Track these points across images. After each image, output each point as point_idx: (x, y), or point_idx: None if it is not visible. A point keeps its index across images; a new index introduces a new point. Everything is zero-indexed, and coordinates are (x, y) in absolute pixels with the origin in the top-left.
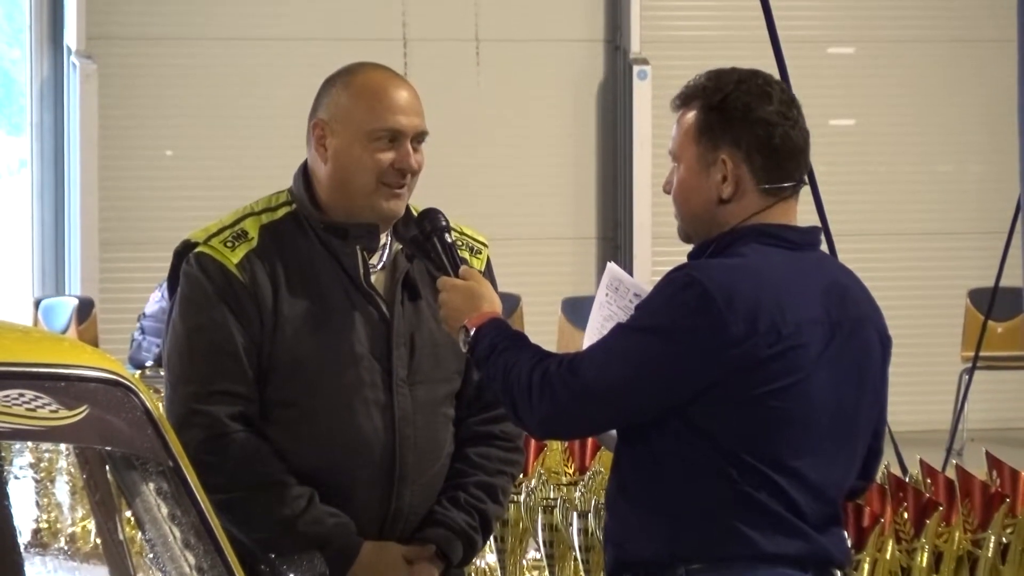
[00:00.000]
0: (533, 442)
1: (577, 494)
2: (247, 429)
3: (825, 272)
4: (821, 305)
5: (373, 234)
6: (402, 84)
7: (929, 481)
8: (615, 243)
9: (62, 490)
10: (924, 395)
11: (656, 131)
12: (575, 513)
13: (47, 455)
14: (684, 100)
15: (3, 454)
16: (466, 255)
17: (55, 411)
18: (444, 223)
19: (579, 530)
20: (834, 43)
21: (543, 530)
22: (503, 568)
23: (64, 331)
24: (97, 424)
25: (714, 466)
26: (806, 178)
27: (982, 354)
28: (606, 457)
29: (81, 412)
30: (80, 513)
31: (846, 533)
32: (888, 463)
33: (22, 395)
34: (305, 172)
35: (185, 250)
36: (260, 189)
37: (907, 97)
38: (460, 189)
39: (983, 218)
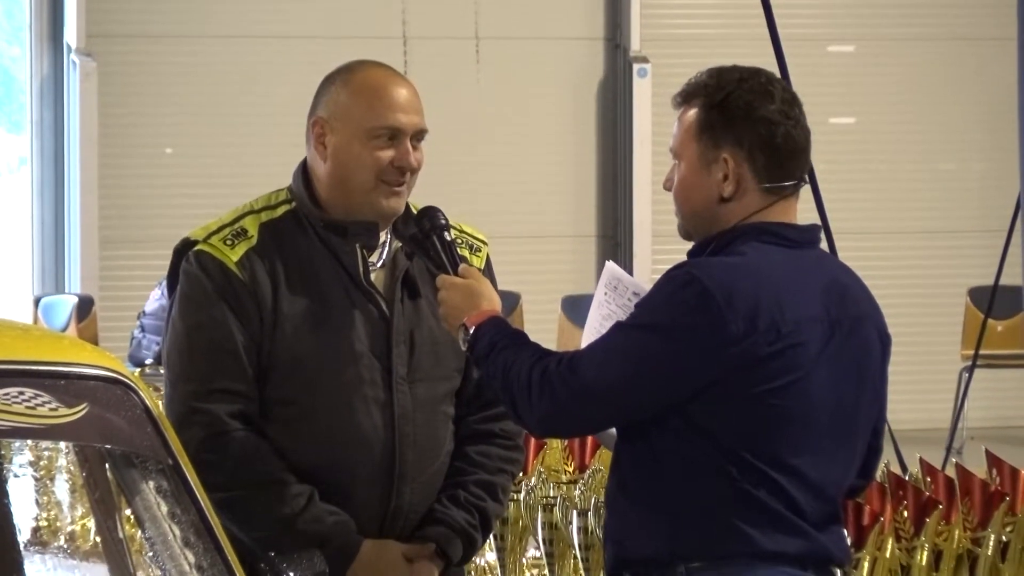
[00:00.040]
0: (533, 440)
1: (577, 492)
2: (247, 427)
3: (825, 270)
4: (821, 303)
5: (373, 232)
6: (402, 82)
7: (929, 479)
8: (615, 241)
9: (62, 488)
10: (924, 393)
11: (656, 129)
12: (575, 511)
13: (47, 453)
14: (685, 97)
15: (3, 452)
16: (466, 253)
17: (55, 409)
18: (443, 221)
19: (579, 528)
20: (834, 41)
21: (543, 528)
22: (503, 566)
23: (64, 329)
24: (97, 422)
25: (714, 464)
26: (806, 177)
27: (982, 352)
28: (606, 455)
29: (81, 410)
30: (80, 511)
31: (846, 531)
32: (888, 461)
33: (22, 393)
34: (304, 170)
35: (185, 248)
36: (260, 187)
37: (908, 95)
38: (460, 187)
39: (984, 216)
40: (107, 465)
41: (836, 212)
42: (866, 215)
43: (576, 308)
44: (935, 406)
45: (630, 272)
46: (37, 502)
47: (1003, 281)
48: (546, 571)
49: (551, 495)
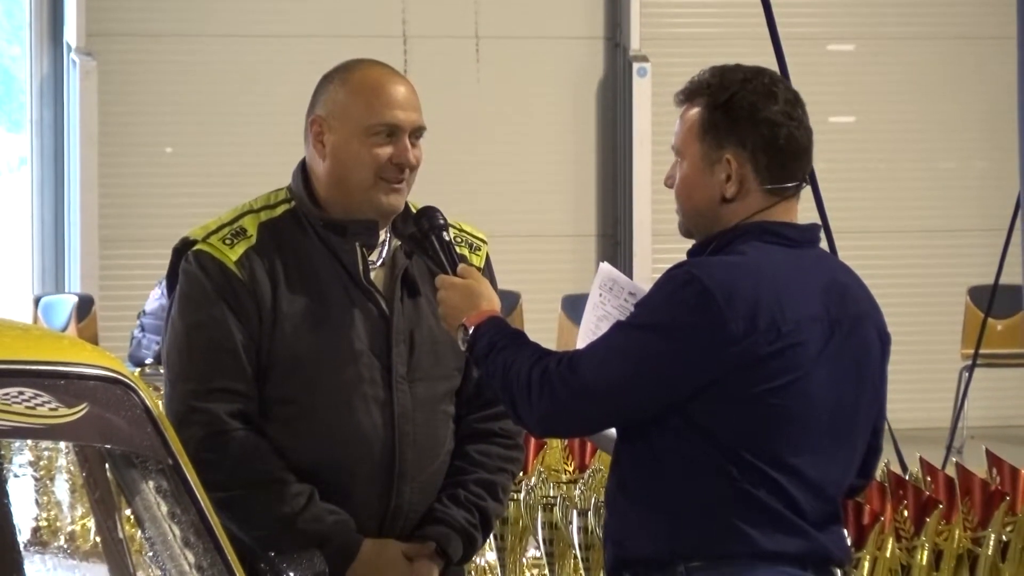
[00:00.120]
0: (533, 440)
1: (577, 492)
2: (246, 427)
3: (825, 269)
4: (821, 303)
5: (372, 231)
6: (399, 80)
7: (929, 479)
8: (615, 240)
9: (62, 488)
10: (924, 393)
11: (656, 128)
12: (575, 511)
13: (47, 453)
14: (688, 95)
15: (3, 452)
16: (465, 252)
17: (55, 409)
18: (442, 221)
19: (579, 528)
20: (834, 40)
21: (543, 528)
22: (503, 566)
23: (64, 329)
24: (97, 422)
25: (714, 464)
26: (807, 177)
27: (982, 352)
28: (606, 455)
29: (81, 410)
30: (80, 511)
31: (846, 531)
32: (888, 461)
33: (22, 393)
34: (304, 169)
35: (184, 248)
36: (260, 186)
37: (907, 94)
38: (460, 186)
39: (984, 215)
40: (107, 465)
41: (836, 211)
42: (866, 214)
43: (576, 307)
44: (935, 405)
45: (630, 271)
46: (37, 502)
47: (1003, 280)
48: (546, 571)
49: (551, 495)
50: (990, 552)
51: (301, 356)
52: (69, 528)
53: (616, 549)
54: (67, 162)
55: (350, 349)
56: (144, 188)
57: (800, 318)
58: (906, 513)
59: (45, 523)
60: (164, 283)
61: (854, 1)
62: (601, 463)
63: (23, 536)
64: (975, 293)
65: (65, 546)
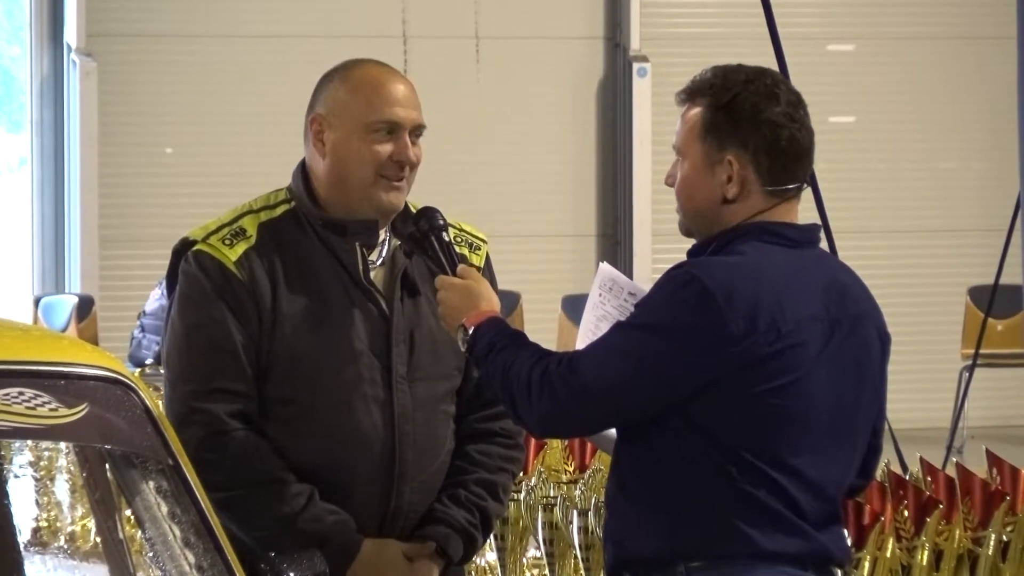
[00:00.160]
0: (533, 440)
1: (577, 492)
2: (246, 427)
3: (824, 270)
4: (821, 303)
5: (372, 230)
6: (399, 78)
7: (929, 479)
8: (615, 240)
9: (62, 488)
10: (924, 393)
11: (656, 128)
12: (575, 511)
13: (47, 453)
14: (690, 95)
15: (3, 452)
16: (465, 251)
17: (55, 409)
18: (441, 221)
19: (579, 528)
20: (834, 40)
21: (543, 528)
22: (503, 566)
23: (64, 329)
24: (97, 422)
25: (714, 464)
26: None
27: (982, 352)
28: (606, 455)
29: (81, 410)
30: (80, 512)
31: (846, 531)
32: (888, 461)
33: (22, 393)
34: (303, 169)
35: (183, 248)
36: (260, 186)
37: (907, 94)
38: (460, 186)
39: (984, 215)
40: (107, 465)
41: (836, 211)
42: (866, 214)
43: (576, 307)
44: (935, 405)
45: (630, 271)
46: (37, 502)
47: (1003, 280)
48: (546, 571)
49: (551, 495)
50: (990, 552)
51: (301, 356)
52: (69, 528)
53: (616, 549)
54: (67, 162)
55: (350, 349)
56: (144, 188)
57: (800, 318)
58: (906, 513)
59: (45, 523)
60: (164, 283)
61: (854, 1)
62: (601, 463)
63: (23, 536)
64: (975, 293)
65: (65, 546)
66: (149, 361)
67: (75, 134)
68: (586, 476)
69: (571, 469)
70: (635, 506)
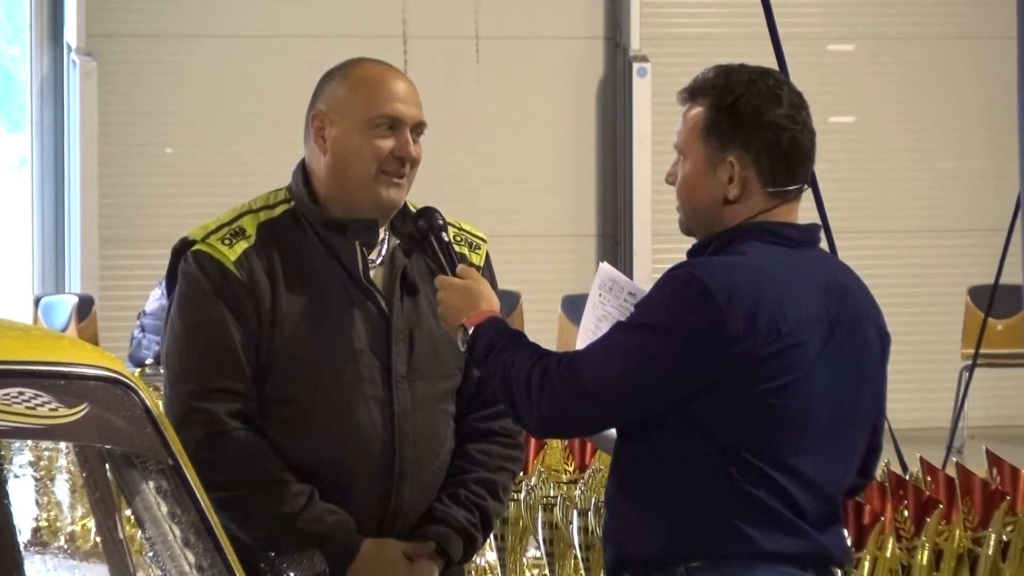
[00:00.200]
0: (533, 440)
1: (577, 492)
2: (246, 427)
3: (824, 270)
4: (821, 303)
5: (372, 229)
6: (401, 76)
7: (929, 479)
8: (615, 240)
9: (62, 488)
10: (924, 392)
11: (656, 128)
12: (575, 511)
13: (47, 453)
14: (692, 94)
15: (3, 452)
16: (465, 250)
17: (55, 409)
18: (441, 221)
19: (579, 528)
20: (834, 40)
21: (543, 528)
22: (503, 566)
23: (64, 329)
24: (97, 422)
25: (714, 464)
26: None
27: (982, 351)
28: (606, 455)
29: (81, 410)
30: (80, 511)
31: (846, 531)
32: (888, 461)
33: (22, 393)
34: (304, 169)
35: (183, 248)
36: (260, 186)
37: (907, 94)
38: (460, 186)
39: (984, 215)
40: (107, 465)
41: (836, 211)
42: (866, 214)
43: (576, 307)
44: (935, 405)
45: (630, 271)
46: (37, 502)
47: (1003, 280)
48: (546, 571)
49: (551, 495)
50: (990, 552)
51: (300, 356)
52: (69, 528)
53: (616, 549)
54: (67, 162)
55: (350, 349)
56: (144, 188)
57: (800, 318)
58: (906, 513)
59: (45, 523)
60: (164, 283)
61: (854, 1)
62: (601, 463)
63: (23, 536)
64: (975, 293)
65: (65, 546)
66: (149, 361)
67: (75, 134)
68: (586, 476)
69: (571, 469)
70: (635, 506)
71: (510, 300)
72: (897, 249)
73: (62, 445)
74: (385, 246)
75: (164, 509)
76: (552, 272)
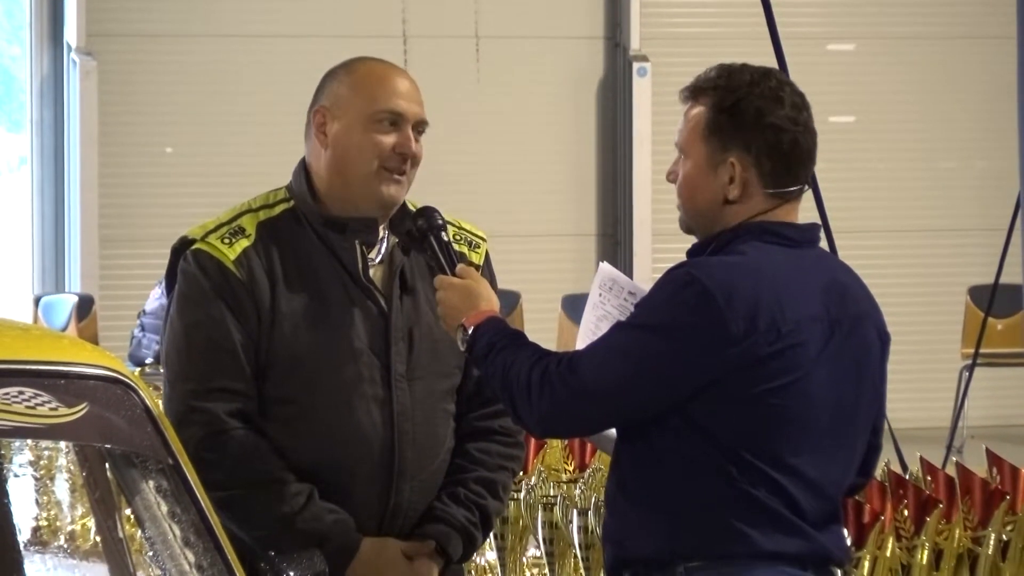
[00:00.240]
0: (533, 439)
1: (577, 491)
2: (246, 426)
3: (824, 269)
4: (821, 303)
5: (372, 228)
6: (404, 74)
7: (929, 478)
8: (615, 240)
9: (62, 488)
10: (924, 392)
11: (656, 128)
12: (575, 511)
13: (47, 453)
14: (694, 93)
15: (3, 452)
16: (464, 249)
17: (55, 409)
18: (440, 221)
19: (579, 528)
20: (834, 39)
21: (543, 528)
22: (503, 566)
23: (64, 328)
24: (97, 422)
25: (713, 464)
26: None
27: (982, 351)
28: (606, 454)
29: (81, 410)
30: (80, 511)
31: (846, 531)
32: (888, 460)
33: (22, 392)
34: (304, 168)
35: (182, 247)
36: (260, 186)
37: (908, 94)
38: (460, 186)
39: (985, 215)
40: (107, 465)
41: (836, 211)
42: (866, 214)
43: (576, 307)
44: (935, 405)
45: (630, 271)
46: (37, 502)
47: (1003, 280)
48: (546, 570)
49: (551, 494)
50: (990, 551)
51: (300, 355)
52: (69, 528)
53: (616, 549)
54: (67, 162)
55: (349, 348)
56: (144, 188)
57: (800, 318)
58: (906, 512)
59: (45, 523)
60: (163, 282)
61: (854, 1)
62: (601, 462)
63: (23, 536)
64: (975, 292)
65: (65, 546)
66: (149, 360)
67: (75, 134)
68: (586, 475)
69: (571, 468)
70: (635, 506)
71: (510, 300)
72: (897, 249)
73: (62, 444)
74: (384, 244)
75: (164, 508)
76: (552, 272)
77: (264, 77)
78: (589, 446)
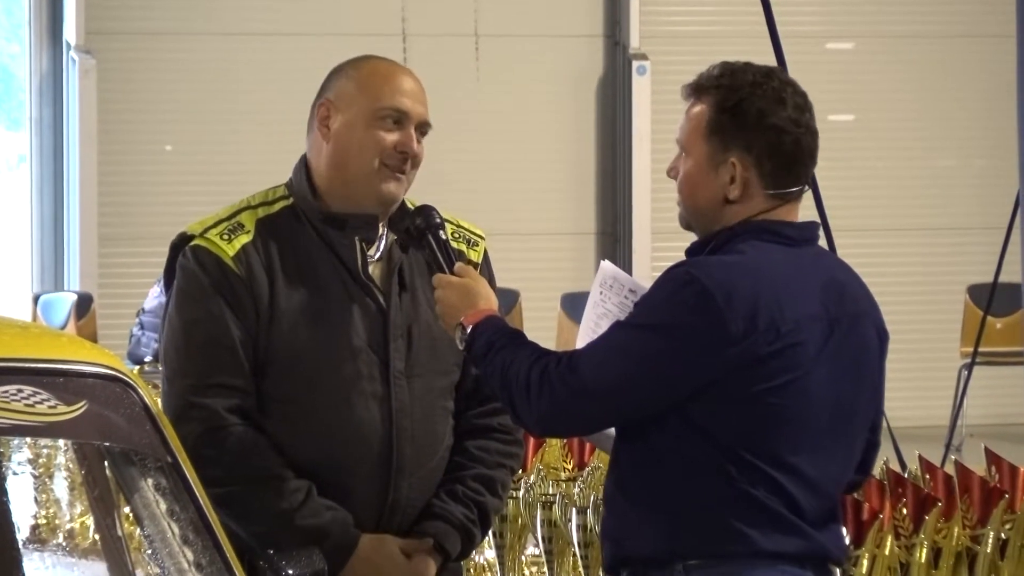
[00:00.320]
0: (532, 438)
1: (576, 490)
2: (244, 422)
3: (823, 268)
4: (819, 301)
5: (371, 225)
6: (410, 74)
7: (928, 477)
8: (614, 238)
9: (61, 486)
10: (923, 390)
11: (655, 127)
12: (574, 509)
13: (46, 451)
14: (696, 91)
15: (2, 450)
16: (463, 247)
17: (54, 407)
18: (438, 220)
19: (578, 526)
20: (833, 38)
21: (542, 526)
22: (502, 564)
23: (63, 326)
24: (96, 420)
25: (713, 463)
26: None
27: (981, 350)
28: (605, 453)
29: (80, 408)
30: (79, 509)
31: (845, 529)
32: (887, 459)
33: (21, 390)
34: (305, 164)
35: (181, 243)
36: (260, 184)
37: (907, 93)
38: (459, 184)
39: (984, 213)
40: (106, 463)
41: (835, 209)
42: (865, 212)
43: (576, 305)
44: (934, 403)
45: (630, 269)
46: (36, 500)
47: (1002, 278)
48: (545, 569)
49: (550, 493)
50: (989, 550)
51: (299, 352)
52: (68, 526)
53: (614, 548)
54: (66, 160)
55: (348, 345)
56: (144, 186)
57: (799, 317)
58: (905, 511)
59: (44, 521)
60: (162, 280)
61: None
62: (600, 461)
63: (22, 534)
64: (974, 291)
65: (64, 544)
66: (148, 358)
67: (74, 132)
68: (585, 474)
69: (570, 467)
70: (634, 505)
71: (509, 298)
72: (896, 247)
73: (61, 442)
74: (383, 242)
75: (163, 506)
76: (551, 270)
77: (264, 75)
78: (588, 445)
